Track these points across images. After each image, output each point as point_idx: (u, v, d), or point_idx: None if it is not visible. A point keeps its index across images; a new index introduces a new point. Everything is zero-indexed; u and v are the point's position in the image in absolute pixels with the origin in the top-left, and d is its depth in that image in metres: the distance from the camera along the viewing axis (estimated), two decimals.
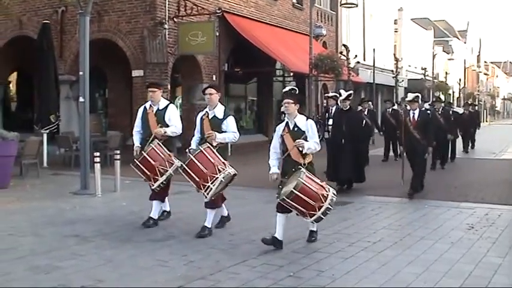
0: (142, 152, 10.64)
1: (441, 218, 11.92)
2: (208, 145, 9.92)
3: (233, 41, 27.22)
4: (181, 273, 7.71)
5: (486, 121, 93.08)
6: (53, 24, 23.47)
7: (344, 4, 34.35)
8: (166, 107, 11.07)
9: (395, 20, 57.83)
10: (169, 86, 22.93)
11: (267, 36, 28.86)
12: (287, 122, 9.54)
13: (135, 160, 10.67)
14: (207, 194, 9.69)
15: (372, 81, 40.01)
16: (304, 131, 9.33)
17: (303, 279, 7.55)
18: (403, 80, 49.32)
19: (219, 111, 10.37)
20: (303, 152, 9.20)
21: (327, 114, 16.63)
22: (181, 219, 11.36)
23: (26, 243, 9.41)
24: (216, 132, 10.17)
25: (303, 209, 8.97)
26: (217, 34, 24.46)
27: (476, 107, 37.13)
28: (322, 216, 9.06)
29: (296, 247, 9.29)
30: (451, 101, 45.70)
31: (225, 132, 10.28)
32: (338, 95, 16.48)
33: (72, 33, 24.12)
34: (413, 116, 14.87)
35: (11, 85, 31.24)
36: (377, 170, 19.84)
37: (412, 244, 9.60)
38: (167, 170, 10.56)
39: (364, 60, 43.11)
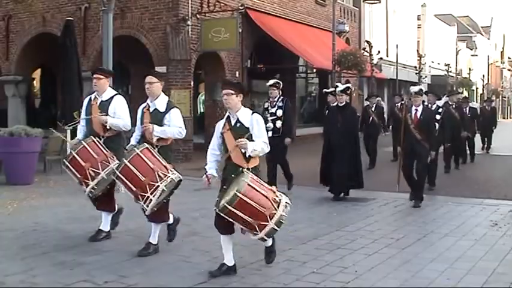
0: (71, 150, 9.33)
1: (464, 214, 11.86)
2: (147, 146, 8.35)
3: (256, 37, 27.22)
4: (204, 269, 7.72)
5: (510, 117, 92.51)
6: (76, 21, 23.56)
7: (367, 0, 34.24)
8: (112, 98, 9.65)
9: (419, 15, 57.60)
10: (192, 83, 22.97)
11: (289, 33, 28.83)
12: (228, 117, 7.82)
13: (64, 161, 9.42)
14: (147, 206, 8.10)
15: (395, 78, 39.89)
16: (248, 128, 7.60)
17: (327, 275, 7.55)
18: (426, 76, 49.25)
19: (160, 103, 8.93)
20: (247, 155, 7.47)
21: (327, 111, 14.95)
22: (204, 216, 11.35)
23: (50, 239, 9.47)
24: (154, 125, 8.66)
25: (250, 219, 6.98)
26: (240, 31, 24.49)
27: (493, 103, 33.93)
28: (276, 227, 7.08)
29: (319, 243, 9.28)
30: (468, 96, 42.99)
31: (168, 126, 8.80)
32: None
33: (95, 30, 24.23)
34: (415, 113, 12.99)
35: (34, 82, 31.44)
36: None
37: (436, 241, 9.56)
38: (99, 173, 8.91)
39: (387, 56, 43.00)
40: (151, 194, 7.99)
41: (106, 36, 15.28)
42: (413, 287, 7.17)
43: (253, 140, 7.49)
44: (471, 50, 78.82)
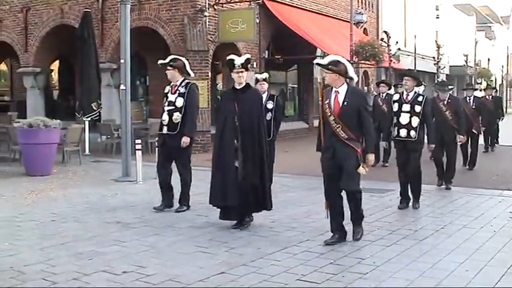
0: None
1: (483, 206, 11.79)
2: None
3: (273, 28, 27.18)
4: (222, 260, 7.74)
5: None
6: (94, 12, 23.68)
7: None
8: None
9: (437, 6, 57.25)
10: (210, 74, 22.97)
11: (307, 23, 28.77)
12: None
13: None
14: None
15: (413, 68, 39.68)
16: None
17: (344, 266, 7.53)
18: (444, 67, 48.90)
19: None
20: None
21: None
22: None
23: (69, 229, 9.53)
24: None
25: None
26: (258, 21, 24.43)
27: (495, 91, 28.29)
28: None
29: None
30: (471, 83, 35.60)
31: None
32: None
33: (112, 22, 24.27)
34: (336, 98, 8.68)
35: (53, 73, 31.57)
36: None
37: (454, 232, 9.51)
38: None
39: (405, 46, 42.75)
40: None
41: (124, 27, 15.31)
42: (431, 278, 7.14)
43: None
44: (490, 40, 78.27)
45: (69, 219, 10.26)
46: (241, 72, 9.75)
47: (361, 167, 8.51)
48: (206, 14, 22.93)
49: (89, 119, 20.74)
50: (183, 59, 11.29)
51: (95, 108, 20.67)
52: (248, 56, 10.10)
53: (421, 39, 43.64)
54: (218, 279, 6.94)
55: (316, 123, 28.16)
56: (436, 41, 47.65)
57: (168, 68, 10.94)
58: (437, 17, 56.41)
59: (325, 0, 32.85)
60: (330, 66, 8.65)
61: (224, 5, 23.83)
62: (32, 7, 27.19)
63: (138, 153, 14.45)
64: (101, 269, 7.33)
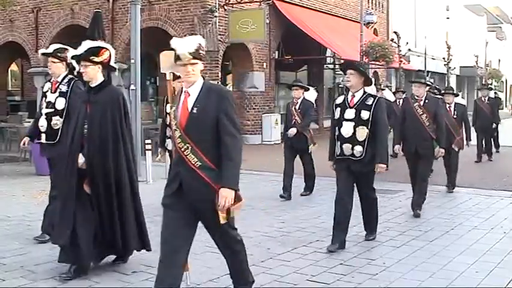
0: None
1: (493, 207, 11.75)
2: None
3: (283, 28, 27.20)
4: None
5: None
6: (104, 13, 23.69)
7: None
8: None
9: (447, 6, 57.12)
10: (219, 74, 22.99)
11: (317, 24, 28.75)
12: None
13: None
14: None
15: (423, 69, 39.60)
16: None
17: (354, 267, 7.53)
18: (454, 68, 48.83)
19: None
20: None
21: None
22: None
23: None
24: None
25: None
26: (268, 22, 24.45)
27: (492, 92, 25.41)
28: None
29: (346, 235, 9.24)
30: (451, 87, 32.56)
31: None
32: None
33: (123, 22, 24.34)
34: (184, 103, 5.62)
35: None
36: None
37: (464, 234, 9.49)
38: None
39: (416, 47, 42.68)
40: None
41: (134, 27, 15.36)
42: (441, 279, 7.13)
43: None
44: (501, 40, 78.03)
45: None
46: (85, 66, 7.24)
47: (220, 214, 5.70)
48: (216, 14, 22.96)
49: None
50: (71, 49, 8.28)
51: None
52: (94, 44, 7.75)
53: (431, 40, 43.57)
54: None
55: (326, 123, 28.11)
56: (446, 42, 47.58)
57: (54, 60, 8.60)
58: (448, 18, 56.34)
59: (335, 0, 32.84)
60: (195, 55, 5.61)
61: (234, 6, 23.86)
62: (42, 7, 27.31)
63: (148, 154, 14.48)
64: (110, 269, 7.35)
